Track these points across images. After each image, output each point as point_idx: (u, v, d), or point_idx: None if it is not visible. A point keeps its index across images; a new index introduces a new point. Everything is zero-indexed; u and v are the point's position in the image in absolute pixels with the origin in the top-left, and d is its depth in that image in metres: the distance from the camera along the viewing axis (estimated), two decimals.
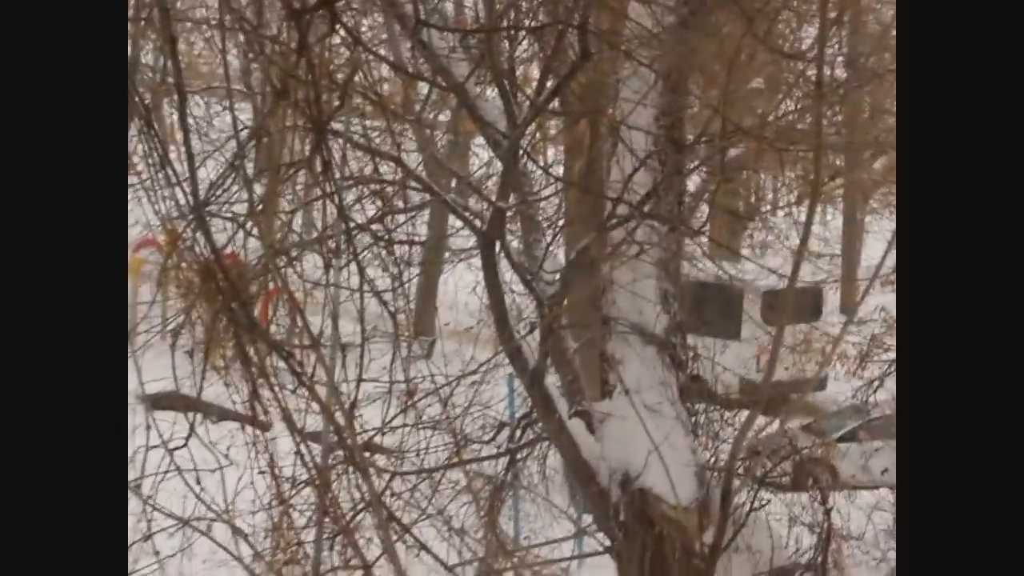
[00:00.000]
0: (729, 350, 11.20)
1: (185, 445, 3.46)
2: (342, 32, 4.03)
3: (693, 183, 13.10)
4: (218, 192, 3.36)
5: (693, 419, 8.32)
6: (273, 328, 6.01)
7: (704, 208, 14.64)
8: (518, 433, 9.84)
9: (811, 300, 19.36)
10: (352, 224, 4.49)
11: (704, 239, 9.43)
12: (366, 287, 3.35)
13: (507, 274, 8.43)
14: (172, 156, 3.42)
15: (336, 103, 4.03)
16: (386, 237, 7.11)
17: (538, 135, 8.45)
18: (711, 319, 15.35)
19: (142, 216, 3.97)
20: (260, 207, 3.43)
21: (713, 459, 8.71)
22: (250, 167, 4.43)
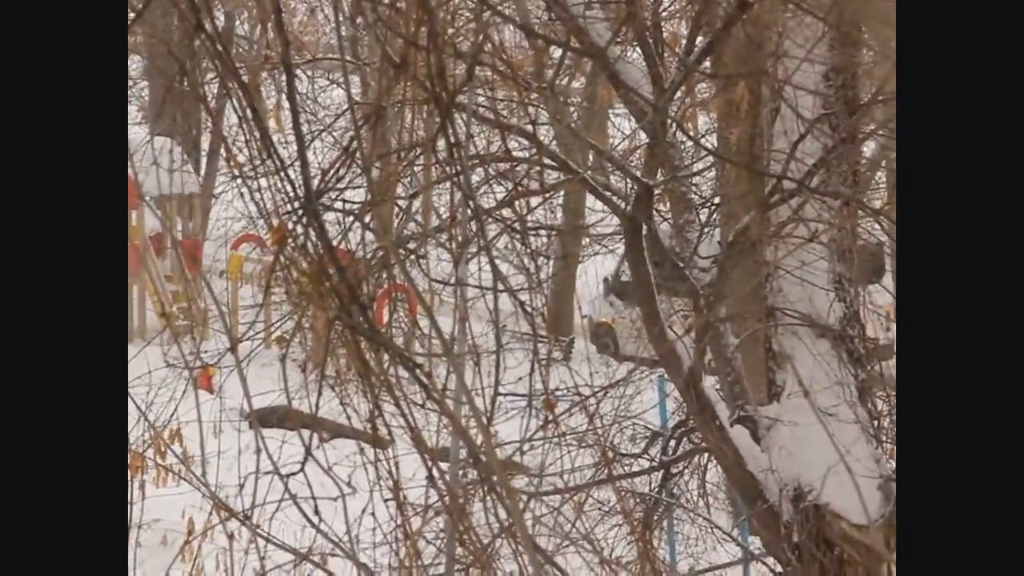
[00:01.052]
0: None
1: (301, 470, 3.46)
2: None
3: (869, 150, 12.90)
4: (332, 180, 3.33)
5: (876, 423, 8.18)
6: (391, 333, 6.00)
7: (883, 178, 14.41)
8: (672, 444, 9.78)
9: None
10: (482, 211, 4.45)
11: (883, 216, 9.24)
12: (500, 284, 3.30)
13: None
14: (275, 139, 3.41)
15: (459, 74, 4.00)
16: (519, 225, 7.08)
17: (688, 101, 8.35)
18: None
19: (243, 210, 3.98)
20: (378, 196, 3.41)
21: None
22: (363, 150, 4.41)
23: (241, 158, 3.24)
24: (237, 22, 24.92)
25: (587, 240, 14.34)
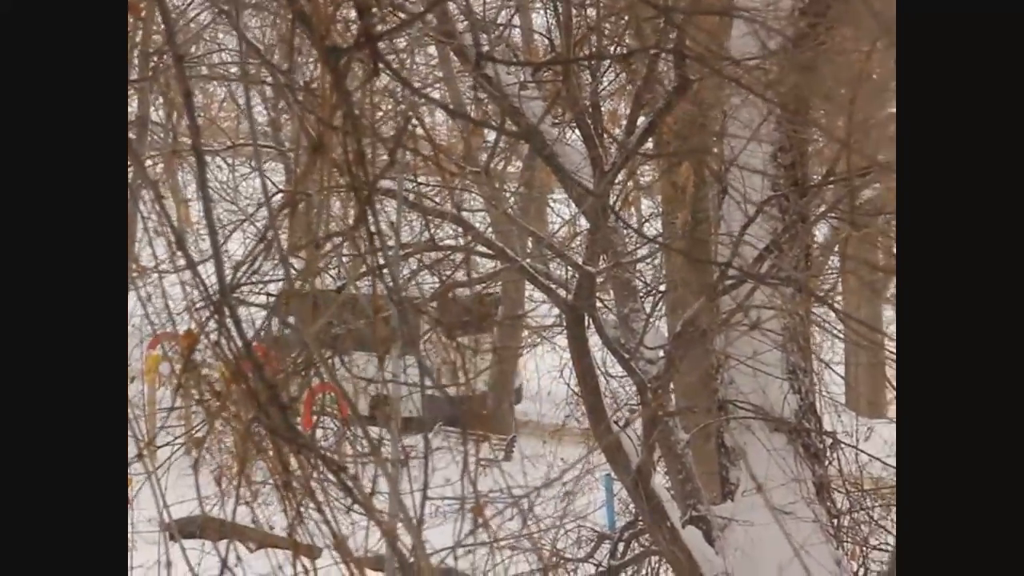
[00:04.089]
0: (875, 434, 11.05)
1: None
2: (386, 74, 4.02)
3: (821, 233, 13.00)
4: (246, 273, 3.33)
5: (835, 521, 8.19)
6: (318, 434, 5.96)
7: (836, 262, 14.48)
8: (621, 547, 9.74)
9: None
10: (409, 305, 4.42)
11: (837, 300, 9.31)
12: (428, 381, 3.30)
13: (600, 353, 8.37)
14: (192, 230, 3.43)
15: (382, 157, 4.01)
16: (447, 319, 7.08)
17: (630, 184, 8.40)
18: None
19: (159, 306, 3.97)
20: (296, 288, 3.42)
21: (863, 570, 8.56)
22: (285, 239, 4.40)
23: (153, 253, 3.25)
24: (152, 108, 24.87)
25: (526, 332, 14.33)
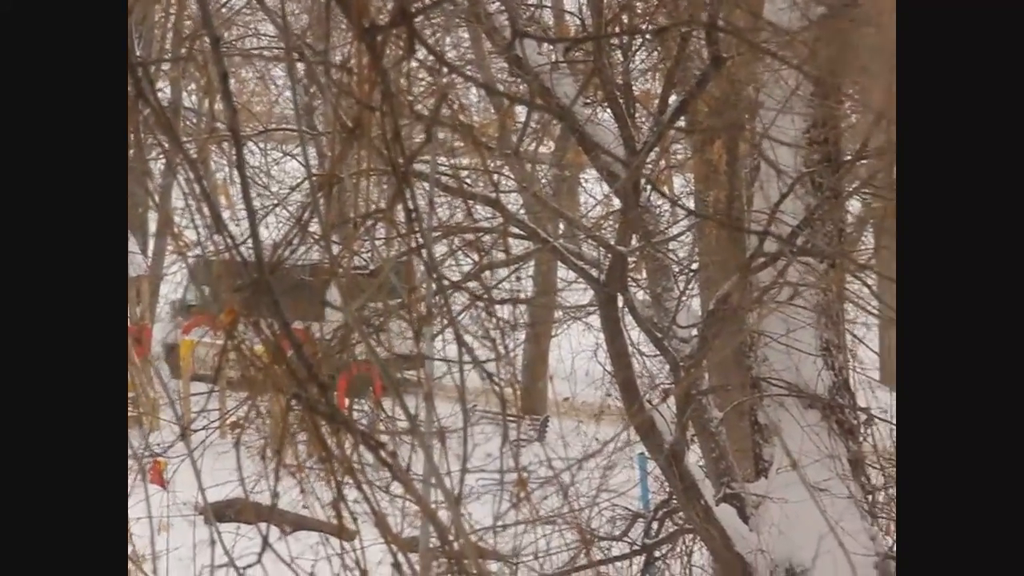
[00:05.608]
0: None
1: (259, 562, 3.45)
2: (422, 54, 4.03)
3: (855, 208, 12.95)
4: (284, 254, 3.35)
5: (870, 497, 8.18)
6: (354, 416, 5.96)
7: (870, 237, 14.48)
8: (655, 526, 9.75)
9: None
10: (445, 282, 4.44)
11: (871, 276, 9.28)
12: (466, 358, 3.31)
13: (633, 332, 8.36)
14: (225, 216, 3.44)
15: (418, 138, 4.02)
16: (485, 296, 7.08)
17: (662, 162, 8.39)
18: None
19: (193, 290, 3.99)
20: (334, 267, 3.42)
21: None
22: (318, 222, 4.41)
23: (191, 236, 3.26)
24: (184, 94, 25.01)
25: (560, 312, 14.35)
